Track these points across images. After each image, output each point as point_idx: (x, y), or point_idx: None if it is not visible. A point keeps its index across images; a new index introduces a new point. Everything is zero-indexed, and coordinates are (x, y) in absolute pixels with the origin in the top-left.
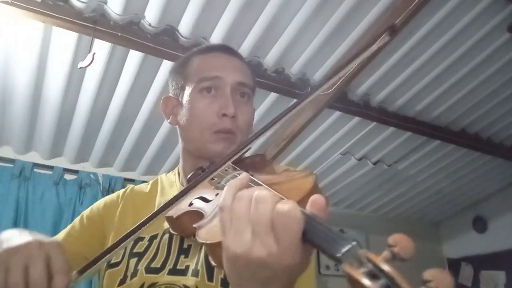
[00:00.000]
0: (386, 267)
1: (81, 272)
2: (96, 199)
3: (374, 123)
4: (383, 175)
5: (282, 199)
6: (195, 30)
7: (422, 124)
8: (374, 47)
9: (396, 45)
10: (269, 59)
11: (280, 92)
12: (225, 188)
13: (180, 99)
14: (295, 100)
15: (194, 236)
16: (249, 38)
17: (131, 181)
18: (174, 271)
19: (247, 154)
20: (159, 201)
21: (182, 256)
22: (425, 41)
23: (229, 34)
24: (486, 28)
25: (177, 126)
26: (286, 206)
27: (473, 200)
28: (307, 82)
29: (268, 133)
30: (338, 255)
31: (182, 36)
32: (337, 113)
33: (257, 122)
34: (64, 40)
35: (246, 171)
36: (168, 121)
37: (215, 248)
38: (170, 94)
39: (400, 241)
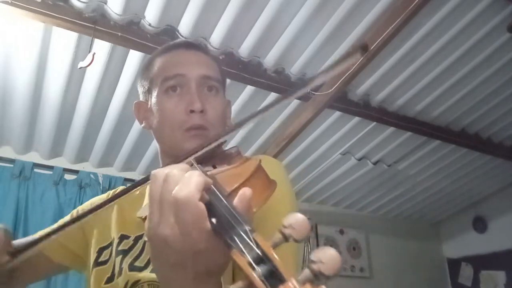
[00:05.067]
0: (270, 252)
1: (13, 254)
2: None
3: (374, 123)
4: (383, 175)
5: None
6: (195, 30)
7: (422, 124)
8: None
9: (396, 45)
10: (269, 59)
11: (280, 92)
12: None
13: (149, 102)
14: (295, 100)
15: None
16: (249, 38)
17: (131, 181)
18: None
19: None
20: (146, 203)
21: (153, 269)
22: (425, 41)
23: (229, 34)
24: (486, 28)
25: (151, 130)
26: (182, 193)
27: (473, 200)
28: (307, 82)
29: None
30: (229, 240)
31: (182, 36)
32: (337, 113)
33: (258, 121)
34: (64, 40)
35: (214, 166)
36: (142, 125)
37: None
38: (140, 99)
39: (293, 222)
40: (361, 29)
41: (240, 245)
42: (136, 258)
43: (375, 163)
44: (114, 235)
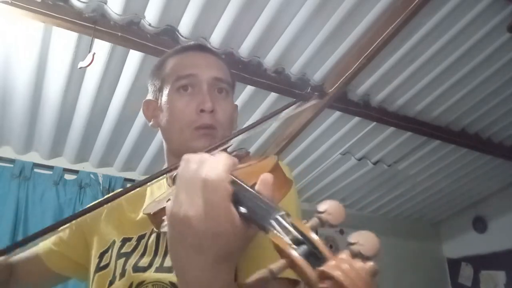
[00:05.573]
0: (309, 233)
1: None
2: (96, 199)
3: (374, 123)
4: (383, 175)
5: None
6: (195, 30)
7: (422, 124)
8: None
9: (396, 45)
10: (269, 59)
11: (280, 92)
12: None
13: (159, 101)
14: (295, 100)
15: None
16: (249, 38)
17: (131, 181)
18: (161, 269)
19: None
20: (150, 201)
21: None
22: (425, 41)
23: (229, 34)
24: (486, 28)
25: (159, 128)
26: (213, 174)
27: (473, 200)
28: (307, 82)
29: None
30: (266, 224)
31: (182, 36)
32: (337, 113)
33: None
34: (64, 40)
35: None
36: (150, 123)
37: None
38: (150, 97)
39: (329, 208)
40: (361, 29)
41: (278, 229)
42: (140, 258)
43: (375, 163)
44: (115, 238)
